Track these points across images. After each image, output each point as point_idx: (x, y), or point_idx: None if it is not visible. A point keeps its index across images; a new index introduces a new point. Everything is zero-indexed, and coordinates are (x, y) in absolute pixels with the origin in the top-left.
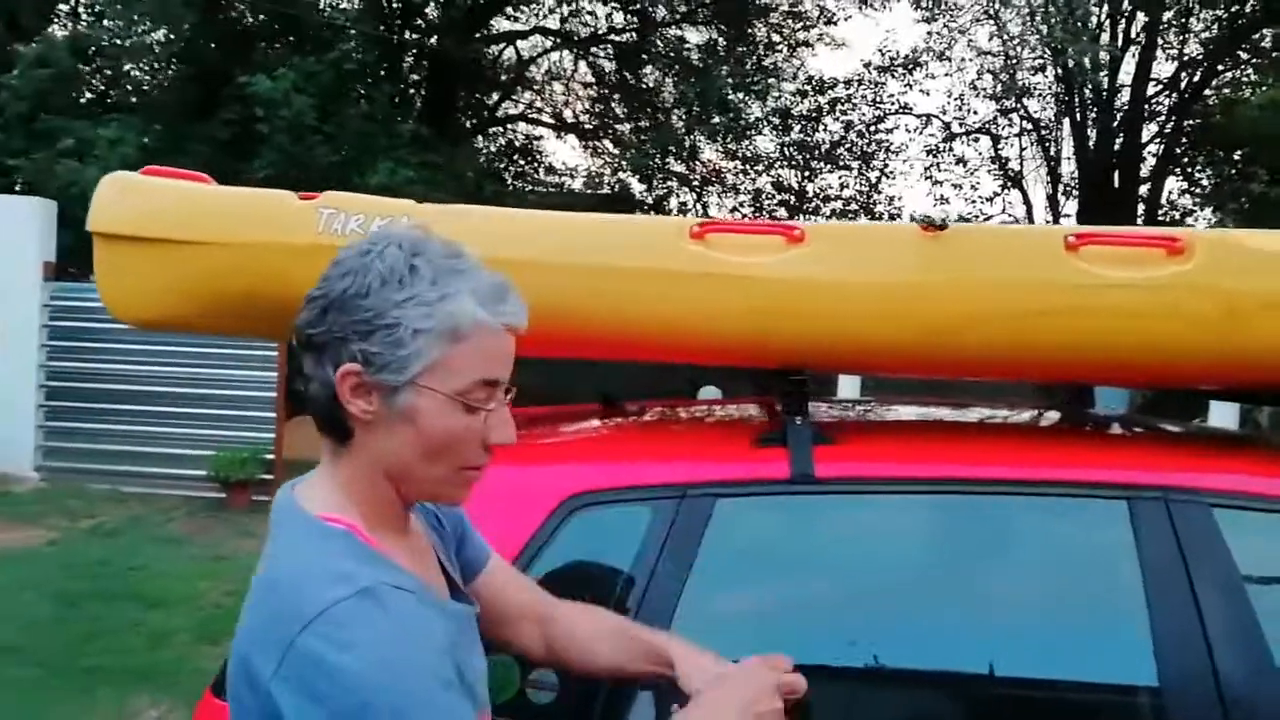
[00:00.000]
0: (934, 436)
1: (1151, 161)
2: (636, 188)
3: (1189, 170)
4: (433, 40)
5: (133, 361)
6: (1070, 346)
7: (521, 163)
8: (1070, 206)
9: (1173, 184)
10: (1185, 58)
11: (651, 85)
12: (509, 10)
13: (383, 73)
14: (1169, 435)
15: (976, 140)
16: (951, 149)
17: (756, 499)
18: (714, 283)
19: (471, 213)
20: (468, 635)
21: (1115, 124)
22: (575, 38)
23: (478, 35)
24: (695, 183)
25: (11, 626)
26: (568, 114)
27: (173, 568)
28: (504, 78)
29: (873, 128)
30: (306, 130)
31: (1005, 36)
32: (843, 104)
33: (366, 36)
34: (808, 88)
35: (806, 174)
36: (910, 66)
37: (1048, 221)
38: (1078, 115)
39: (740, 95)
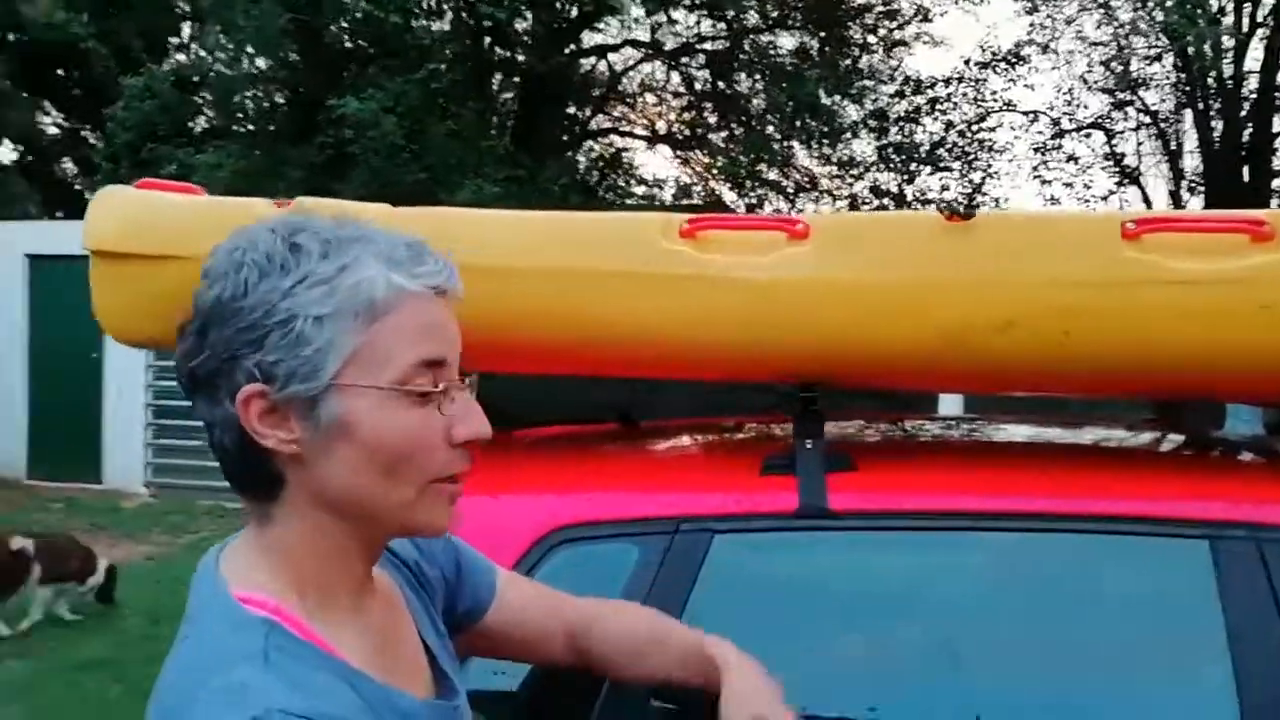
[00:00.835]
0: (981, 462)
1: None
2: (728, 196)
3: None
4: (522, 58)
5: None
6: (1127, 355)
7: (612, 175)
8: (1195, 203)
9: None
10: None
11: (744, 92)
12: (598, 24)
13: (472, 90)
14: (1264, 462)
15: (1088, 136)
16: (1061, 146)
17: (759, 534)
18: (699, 286)
19: (446, 214)
20: None
21: (1243, 114)
22: (664, 48)
23: (568, 50)
24: (789, 190)
25: (101, 641)
26: (659, 125)
27: None
28: (595, 92)
29: (974, 126)
30: (395, 149)
31: (1116, 24)
32: (942, 103)
33: (455, 56)
34: (905, 88)
35: (905, 177)
36: (1013, 61)
37: None
38: (1200, 105)
39: (835, 99)
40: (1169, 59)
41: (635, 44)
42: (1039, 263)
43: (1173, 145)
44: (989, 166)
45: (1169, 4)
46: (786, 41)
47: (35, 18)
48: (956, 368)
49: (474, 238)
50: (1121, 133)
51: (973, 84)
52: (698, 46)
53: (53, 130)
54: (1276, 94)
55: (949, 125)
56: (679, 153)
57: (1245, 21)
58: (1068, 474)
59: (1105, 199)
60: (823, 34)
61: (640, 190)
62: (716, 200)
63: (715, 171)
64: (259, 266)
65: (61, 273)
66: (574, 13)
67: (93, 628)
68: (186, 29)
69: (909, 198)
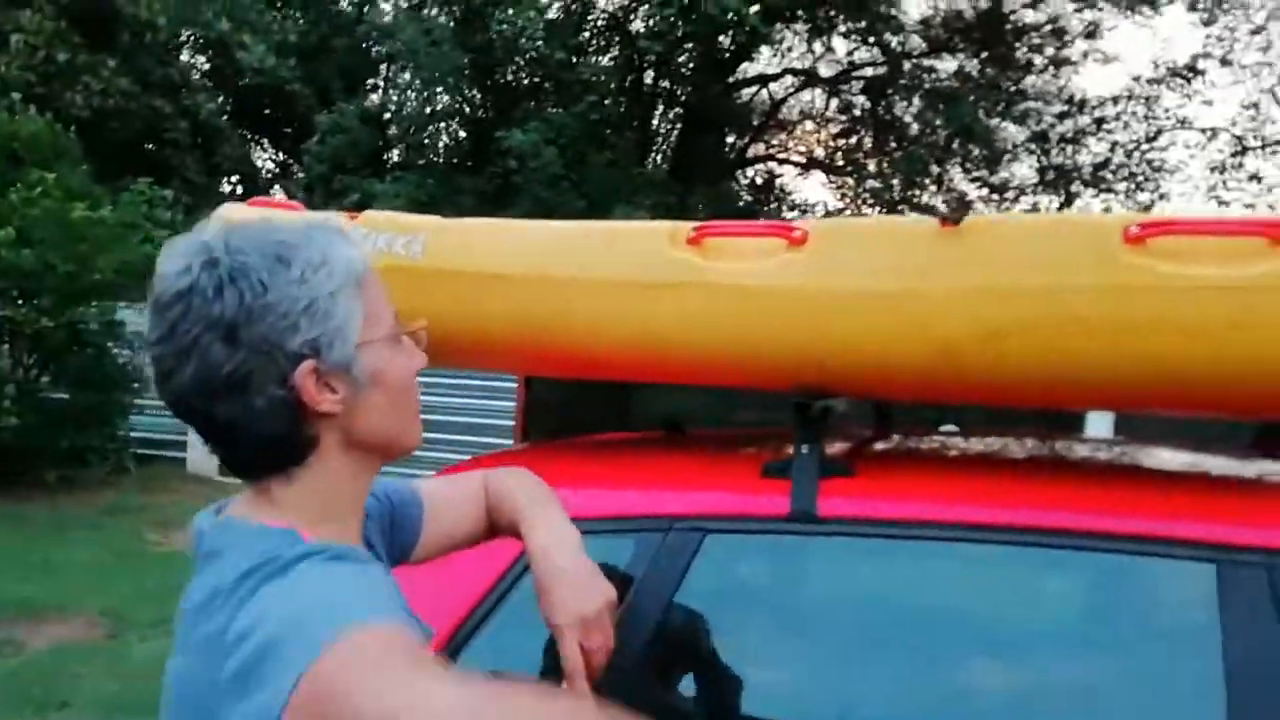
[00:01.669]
0: (986, 473)
1: None
2: None
3: None
4: (681, 90)
5: None
6: (1126, 366)
7: (765, 200)
8: None
9: None
10: None
11: (902, 117)
12: (753, 55)
13: (631, 121)
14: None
15: (1275, 154)
16: (1243, 164)
17: (749, 536)
18: (701, 292)
19: (472, 226)
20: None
21: None
22: (820, 77)
23: (730, 81)
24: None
25: None
26: (817, 151)
27: None
28: (756, 122)
29: (1144, 146)
30: (556, 179)
31: None
32: (1110, 122)
33: (617, 89)
34: (1069, 107)
35: (1065, 200)
36: (1188, 76)
37: None
38: None
39: (995, 121)
40: None
41: (794, 72)
42: (1027, 270)
43: None
44: (1158, 187)
45: None
46: (947, 65)
47: (250, 63)
48: (950, 379)
49: (487, 248)
50: None
51: (1143, 101)
52: (854, 74)
53: (268, 164)
54: None
55: (1114, 145)
56: (832, 178)
57: None
58: (1076, 488)
59: None
60: (984, 54)
61: (792, 216)
62: None
63: (864, 195)
64: (257, 268)
65: None
66: (730, 45)
67: None
68: (383, 70)
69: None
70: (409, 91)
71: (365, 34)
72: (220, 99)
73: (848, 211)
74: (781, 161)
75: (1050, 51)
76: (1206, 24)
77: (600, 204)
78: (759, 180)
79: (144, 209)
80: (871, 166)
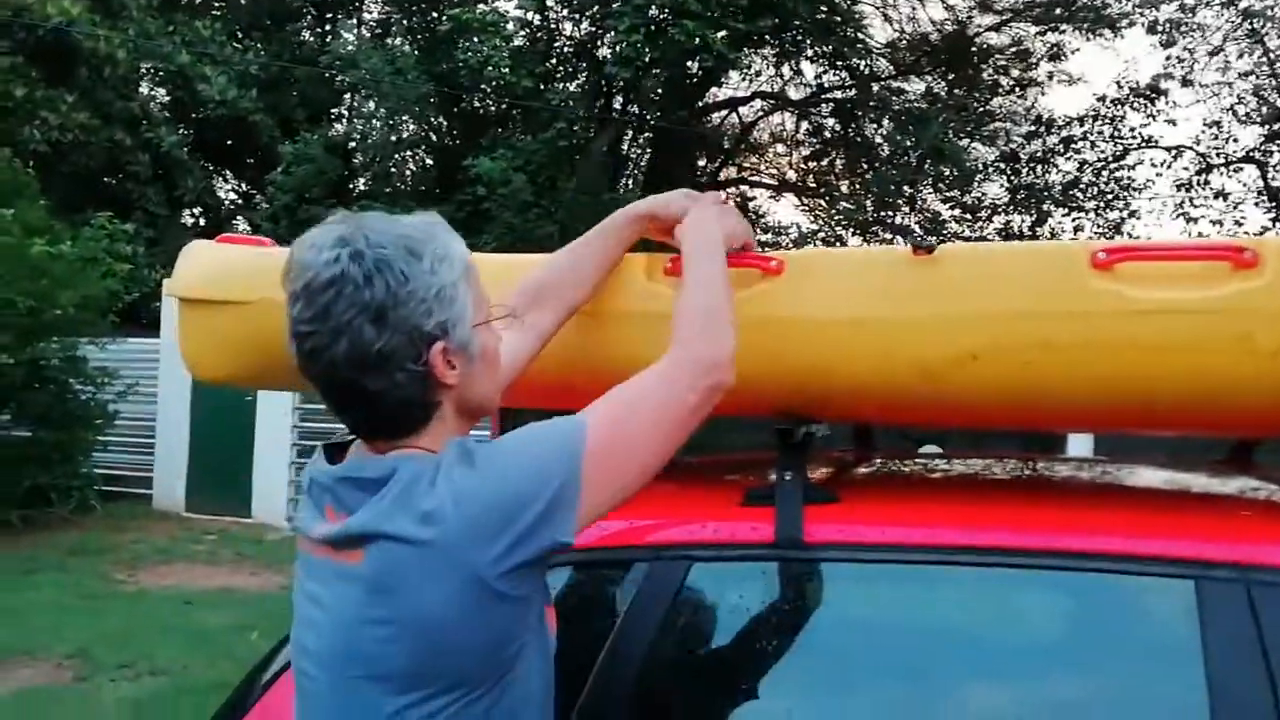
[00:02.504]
0: (969, 495)
1: None
2: (853, 242)
3: None
4: (650, 114)
5: None
6: (1095, 388)
7: None
8: None
9: None
10: None
11: (872, 138)
12: (723, 80)
13: (601, 146)
14: (1256, 498)
15: (1239, 170)
16: (1208, 182)
17: (734, 564)
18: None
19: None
20: None
21: None
22: (789, 100)
23: (699, 105)
24: (916, 234)
25: (230, 664)
26: (786, 173)
27: None
28: (727, 145)
29: (1112, 164)
30: (526, 205)
31: (1267, 52)
32: (1077, 141)
33: (585, 115)
34: (1037, 127)
35: (1036, 219)
36: (1151, 96)
37: None
38: None
39: (965, 141)
40: None
41: (763, 95)
42: (995, 296)
43: None
44: (1127, 205)
45: None
46: (915, 87)
47: (211, 95)
48: (924, 402)
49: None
50: (1277, 165)
51: (1108, 121)
52: (824, 97)
53: (231, 195)
54: None
55: (1083, 164)
56: (805, 200)
57: None
58: (1058, 509)
59: (1261, 235)
60: (952, 76)
61: (764, 239)
62: (840, 245)
63: (837, 217)
64: (397, 260)
65: None
66: (698, 70)
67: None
68: (347, 99)
69: (1041, 239)
70: (374, 120)
71: (328, 64)
72: (181, 131)
73: (821, 234)
74: (754, 184)
75: (1016, 73)
76: (1166, 45)
77: (572, 230)
78: (732, 204)
79: (105, 243)
80: (844, 188)
